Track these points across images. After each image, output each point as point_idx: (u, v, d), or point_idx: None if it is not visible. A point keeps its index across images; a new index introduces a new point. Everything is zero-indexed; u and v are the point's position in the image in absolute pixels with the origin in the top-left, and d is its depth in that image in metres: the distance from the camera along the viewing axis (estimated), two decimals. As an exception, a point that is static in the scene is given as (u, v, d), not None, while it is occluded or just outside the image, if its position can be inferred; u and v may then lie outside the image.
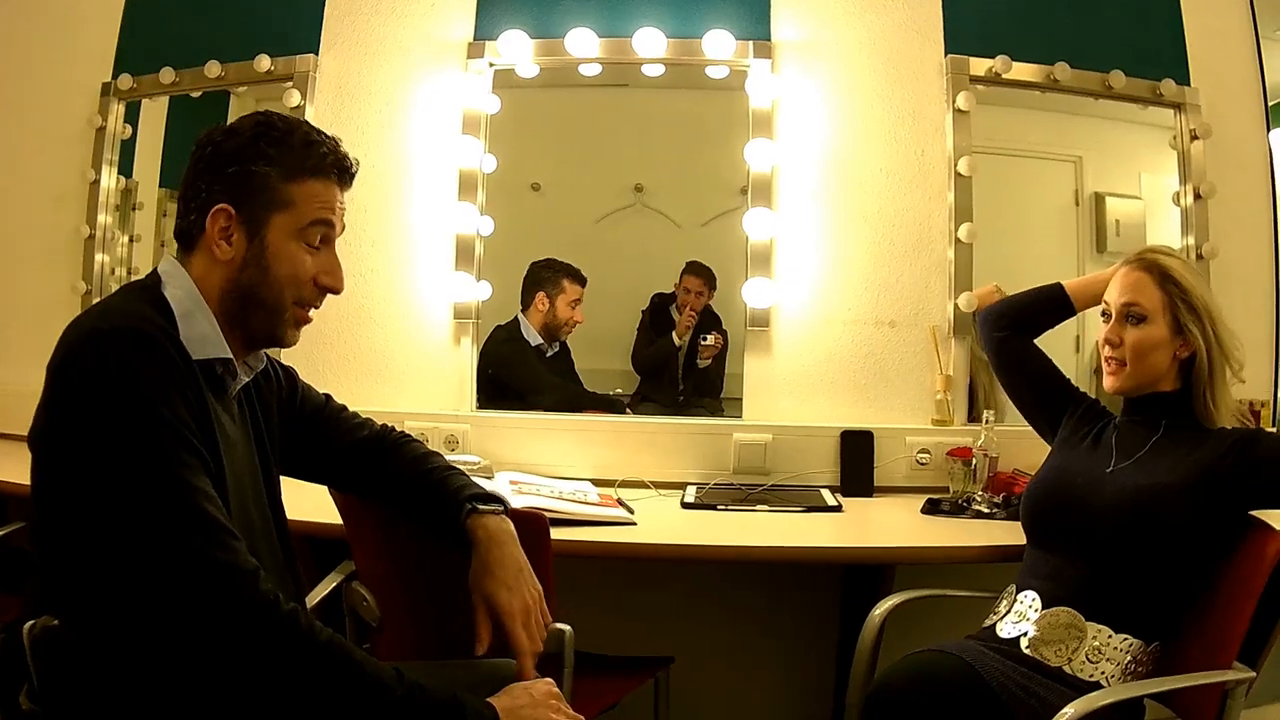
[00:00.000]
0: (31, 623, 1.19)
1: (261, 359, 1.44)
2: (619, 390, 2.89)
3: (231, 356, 1.31)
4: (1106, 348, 1.86)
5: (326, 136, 1.35)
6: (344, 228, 1.38)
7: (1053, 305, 2.12)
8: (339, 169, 1.35)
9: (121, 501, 1.10)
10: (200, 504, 1.13)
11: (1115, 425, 1.93)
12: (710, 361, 2.88)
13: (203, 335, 1.26)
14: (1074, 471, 1.89)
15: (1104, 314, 1.90)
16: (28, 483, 1.18)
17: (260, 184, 1.29)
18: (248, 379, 1.39)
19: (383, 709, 1.13)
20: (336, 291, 1.37)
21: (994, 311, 2.17)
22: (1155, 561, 1.71)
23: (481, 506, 1.47)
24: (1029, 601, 1.78)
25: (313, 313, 1.38)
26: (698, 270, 2.88)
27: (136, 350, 1.15)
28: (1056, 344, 2.15)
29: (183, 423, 1.16)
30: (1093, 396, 2.07)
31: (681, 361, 2.91)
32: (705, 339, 2.87)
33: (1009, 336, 2.12)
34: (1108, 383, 1.88)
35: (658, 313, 2.91)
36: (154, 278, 1.30)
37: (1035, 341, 2.12)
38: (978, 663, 1.67)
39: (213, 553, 1.11)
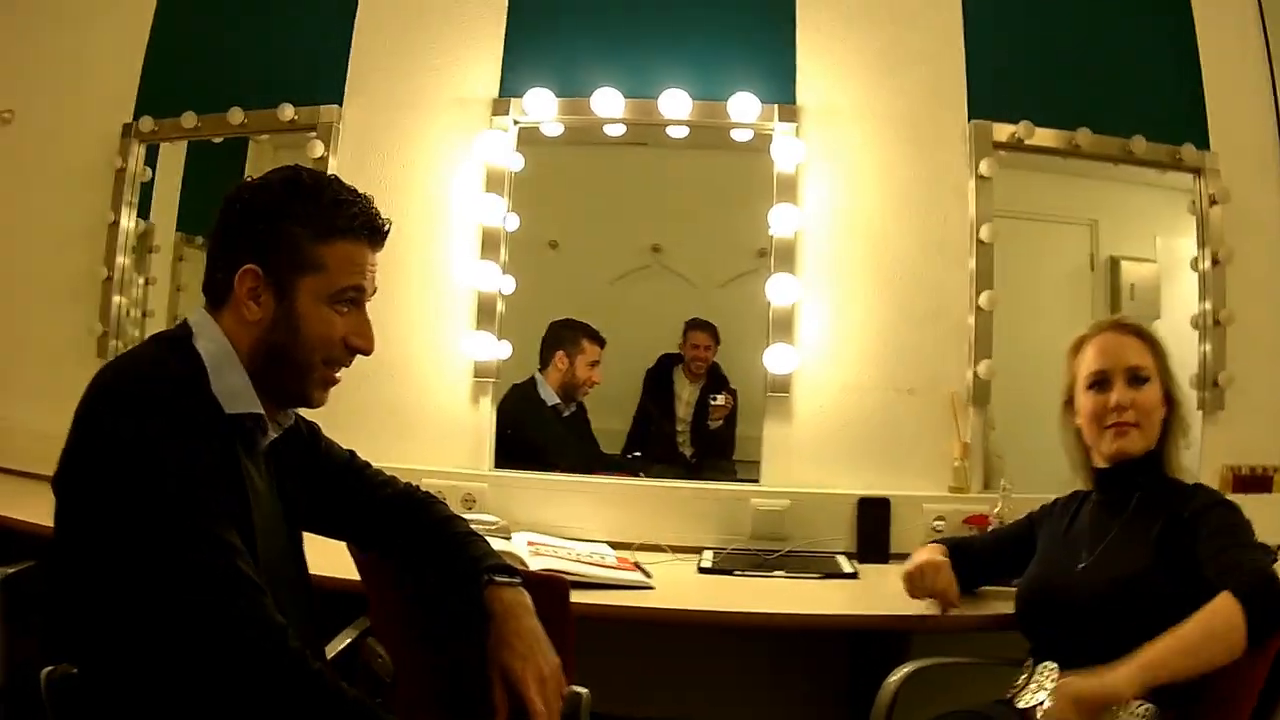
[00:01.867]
0: (50, 669, 1.19)
1: (290, 416, 1.43)
2: (637, 454, 2.90)
3: (263, 412, 1.30)
4: (1115, 413, 1.83)
5: (358, 195, 1.34)
6: (375, 289, 1.36)
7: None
8: (370, 229, 1.34)
9: (151, 557, 1.11)
10: (231, 560, 1.13)
11: (1090, 505, 1.93)
12: (721, 422, 2.88)
13: (234, 389, 1.26)
14: (1049, 575, 1.88)
15: (1096, 383, 1.87)
16: (44, 522, 1.18)
17: (289, 244, 1.28)
18: (277, 435, 1.38)
19: None
20: (367, 353, 1.36)
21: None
22: (1157, 634, 1.70)
23: (499, 578, 1.46)
24: (1047, 671, 1.78)
25: (340, 371, 1.37)
26: (702, 325, 2.90)
27: (169, 405, 1.16)
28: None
29: (211, 478, 1.16)
30: (1050, 500, 2.06)
31: (690, 423, 2.92)
32: (715, 399, 2.87)
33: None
34: (1118, 444, 1.83)
35: (660, 376, 2.92)
36: (184, 329, 1.29)
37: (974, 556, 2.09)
38: None
39: (242, 609, 1.12)
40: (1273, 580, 1.56)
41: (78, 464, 1.15)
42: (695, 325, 2.91)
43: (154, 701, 1.15)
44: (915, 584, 2.02)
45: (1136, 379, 1.84)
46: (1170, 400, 1.87)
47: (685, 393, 2.95)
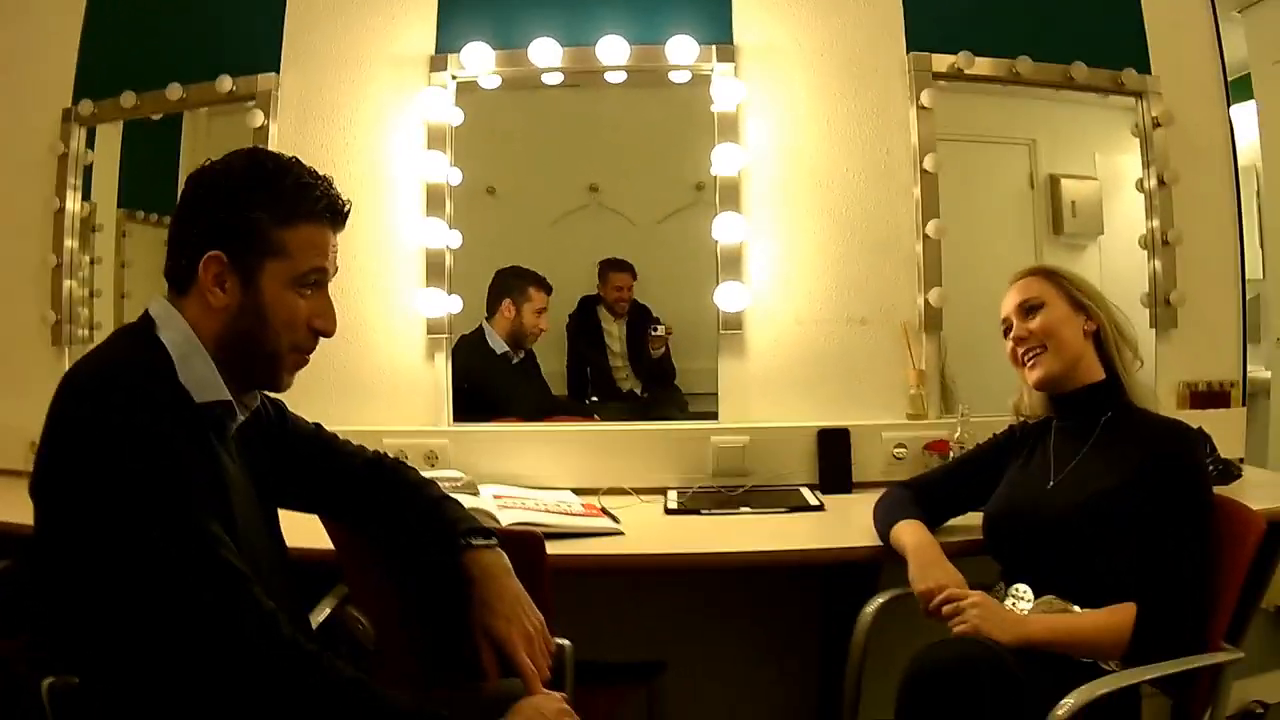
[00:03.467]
0: (52, 680, 1.18)
1: (256, 398, 1.42)
2: (594, 399, 2.91)
3: (231, 398, 1.30)
4: (1020, 347, 1.92)
5: (319, 177, 1.34)
6: (336, 270, 1.37)
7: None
8: (332, 211, 1.34)
9: (137, 555, 1.10)
10: (216, 551, 1.13)
11: (1053, 431, 1.95)
12: (663, 350, 2.89)
13: (202, 378, 1.25)
14: (1017, 496, 1.91)
15: (1005, 330, 1.96)
16: (11, 519, 1.16)
17: (252, 229, 1.27)
18: (245, 418, 1.37)
19: None
20: (329, 335, 1.36)
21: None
22: (1125, 553, 1.70)
23: (475, 541, 1.48)
24: (1022, 591, 1.80)
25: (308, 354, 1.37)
26: (621, 265, 2.91)
27: (142, 399, 1.15)
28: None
29: (190, 470, 1.16)
30: (1012, 423, 2.07)
31: (627, 357, 2.94)
32: (656, 330, 2.88)
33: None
34: (1034, 376, 1.90)
35: (584, 317, 2.93)
36: (146, 320, 1.28)
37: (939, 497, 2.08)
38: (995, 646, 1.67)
39: (233, 601, 1.11)
40: (1177, 625, 1.64)
41: (54, 467, 1.14)
42: (614, 266, 2.90)
43: (158, 705, 1.14)
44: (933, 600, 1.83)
45: (1029, 310, 1.91)
46: (1096, 323, 1.89)
47: (615, 329, 2.95)
